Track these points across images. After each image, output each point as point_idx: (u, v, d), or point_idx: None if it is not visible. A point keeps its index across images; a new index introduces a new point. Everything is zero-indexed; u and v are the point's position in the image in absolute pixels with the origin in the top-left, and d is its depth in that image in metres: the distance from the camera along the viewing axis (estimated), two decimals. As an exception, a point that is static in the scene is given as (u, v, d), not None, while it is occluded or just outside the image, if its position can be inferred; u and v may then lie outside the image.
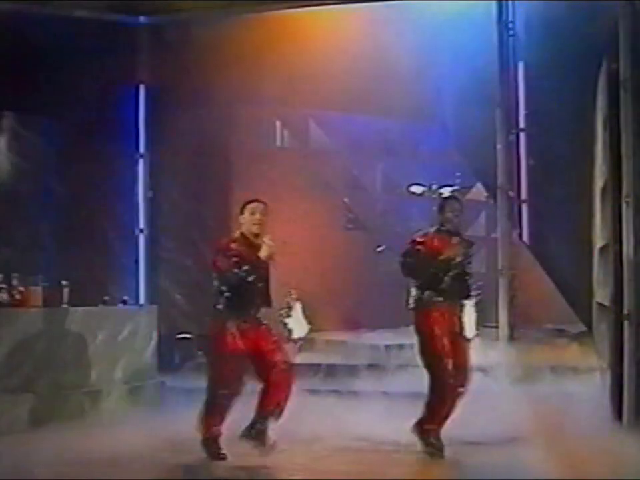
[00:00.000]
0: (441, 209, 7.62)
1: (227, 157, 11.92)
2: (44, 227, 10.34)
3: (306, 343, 11.36)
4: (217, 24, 10.72)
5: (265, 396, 7.36)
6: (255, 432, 7.34)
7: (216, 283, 7.37)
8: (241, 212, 7.47)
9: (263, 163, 12.19)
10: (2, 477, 6.85)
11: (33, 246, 10.11)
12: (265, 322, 7.51)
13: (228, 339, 7.30)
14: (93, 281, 9.92)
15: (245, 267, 7.26)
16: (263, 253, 7.29)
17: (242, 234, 7.43)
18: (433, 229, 7.63)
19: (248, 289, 7.32)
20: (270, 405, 7.34)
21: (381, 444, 7.70)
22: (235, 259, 7.25)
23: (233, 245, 7.34)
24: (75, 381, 8.93)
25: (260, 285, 7.38)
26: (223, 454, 7.33)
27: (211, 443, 7.34)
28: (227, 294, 7.32)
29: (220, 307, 7.36)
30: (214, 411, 7.35)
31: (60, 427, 8.25)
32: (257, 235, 7.38)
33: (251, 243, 7.38)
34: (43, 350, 8.73)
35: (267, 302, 7.48)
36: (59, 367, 8.83)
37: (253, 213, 7.40)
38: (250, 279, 7.28)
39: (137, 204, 11.00)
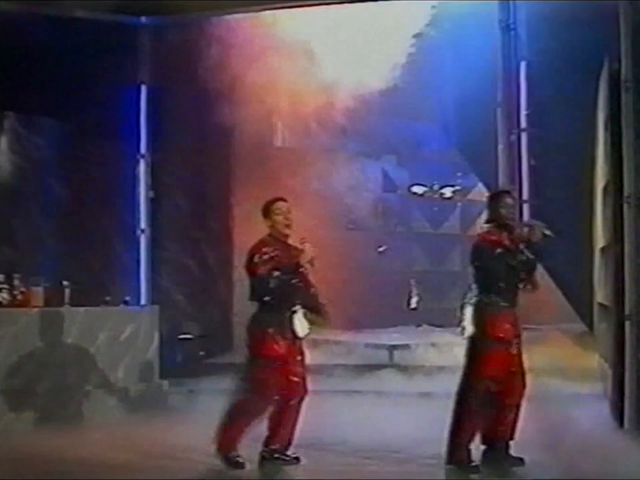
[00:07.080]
0: (494, 203, 7.17)
1: (227, 157, 11.90)
2: (45, 227, 10.31)
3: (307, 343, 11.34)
4: (217, 24, 10.71)
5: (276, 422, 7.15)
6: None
7: (254, 289, 7.07)
8: (265, 214, 7.20)
9: (263, 162, 12.17)
10: (2, 477, 6.86)
11: (34, 246, 10.09)
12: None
13: (268, 342, 7.05)
14: (95, 281, 9.91)
15: (284, 269, 7.00)
16: (305, 259, 7.02)
17: (271, 235, 7.17)
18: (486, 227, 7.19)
19: (288, 292, 7.06)
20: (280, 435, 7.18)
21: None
22: (272, 263, 6.99)
23: (266, 249, 7.07)
24: (76, 381, 8.93)
25: (299, 287, 7.14)
26: (242, 461, 7.10)
27: (230, 453, 7.09)
28: (266, 298, 7.03)
29: (261, 313, 7.09)
30: (240, 422, 7.06)
31: (60, 428, 8.26)
32: (287, 236, 7.15)
33: (283, 245, 7.15)
34: (44, 350, 8.74)
35: (315, 307, 7.29)
36: (60, 367, 8.83)
37: (280, 214, 7.15)
38: (293, 281, 7.05)
39: (138, 204, 10.97)
